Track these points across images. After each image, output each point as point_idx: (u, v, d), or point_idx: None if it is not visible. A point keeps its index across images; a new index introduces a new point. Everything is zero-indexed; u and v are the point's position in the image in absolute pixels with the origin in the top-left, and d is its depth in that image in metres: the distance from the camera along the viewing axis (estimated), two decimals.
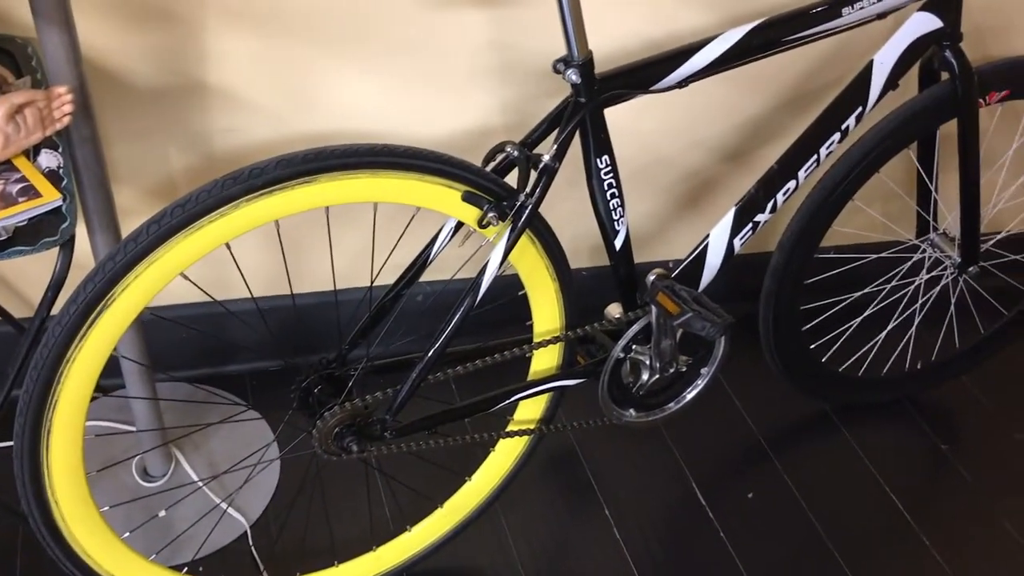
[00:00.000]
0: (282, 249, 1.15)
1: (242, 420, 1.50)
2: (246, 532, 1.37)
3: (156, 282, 0.98)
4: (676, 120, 1.55)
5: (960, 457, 1.63)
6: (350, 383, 1.15)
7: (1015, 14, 1.59)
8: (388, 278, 1.22)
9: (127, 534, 1.17)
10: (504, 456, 1.31)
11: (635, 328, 1.26)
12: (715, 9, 1.42)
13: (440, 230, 1.16)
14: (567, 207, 1.47)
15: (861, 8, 1.22)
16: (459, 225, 1.14)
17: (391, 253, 1.21)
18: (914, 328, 1.63)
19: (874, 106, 1.31)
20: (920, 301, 1.61)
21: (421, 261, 1.17)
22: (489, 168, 1.13)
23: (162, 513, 1.34)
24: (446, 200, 1.08)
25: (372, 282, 1.20)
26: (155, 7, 1.24)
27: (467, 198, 1.08)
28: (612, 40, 1.38)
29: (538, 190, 1.09)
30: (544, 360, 1.26)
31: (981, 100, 1.37)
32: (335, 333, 1.23)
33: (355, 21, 1.31)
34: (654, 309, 1.22)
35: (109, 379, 1.35)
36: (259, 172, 0.98)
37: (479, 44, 1.36)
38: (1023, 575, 1.44)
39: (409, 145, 1.06)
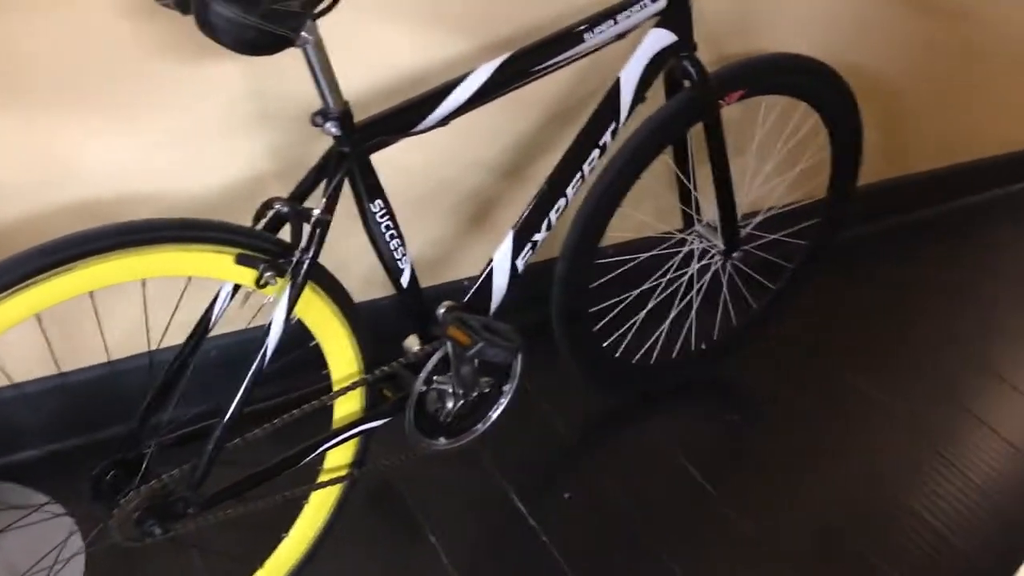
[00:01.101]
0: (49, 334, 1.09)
1: (39, 514, 1.41)
2: None
3: None
4: (449, 145, 1.58)
5: (750, 426, 1.77)
6: (144, 464, 1.11)
7: (744, 17, 1.74)
8: (175, 338, 1.19)
9: None
10: (319, 506, 1.30)
11: (433, 361, 1.29)
12: (467, 38, 1.46)
13: (217, 294, 1.13)
14: (355, 242, 1.47)
15: (601, 32, 1.29)
16: (237, 287, 1.12)
17: (169, 323, 1.17)
18: (693, 313, 1.75)
19: (627, 120, 1.39)
20: (696, 288, 1.73)
21: (202, 329, 1.14)
22: (260, 225, 1.12)
23: None
24: (219, 266, 1.06)
25: (151, 364, 1.16)
26: None
27: (241, 260, 1.07)
28: (367, 77, 1.40)
29: (313, 244, 1.10)
30: (347, 406, 1.26)
31: (722, 101, 1.48)
32: (126, 408, 1.19)
33: (101, 82, 1.25)
34: (448, 343, 1.25)
35: None
36: (13, 266, 0.93)
37: (237, 94, 1.34)
38: (810, 525, 1.58)
39: (174, 217, 1.03)
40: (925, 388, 1.91)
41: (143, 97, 1.28)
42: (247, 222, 1.13)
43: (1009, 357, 2.05)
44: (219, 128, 1.35)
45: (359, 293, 1.65)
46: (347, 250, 1.39)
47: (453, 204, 1.68)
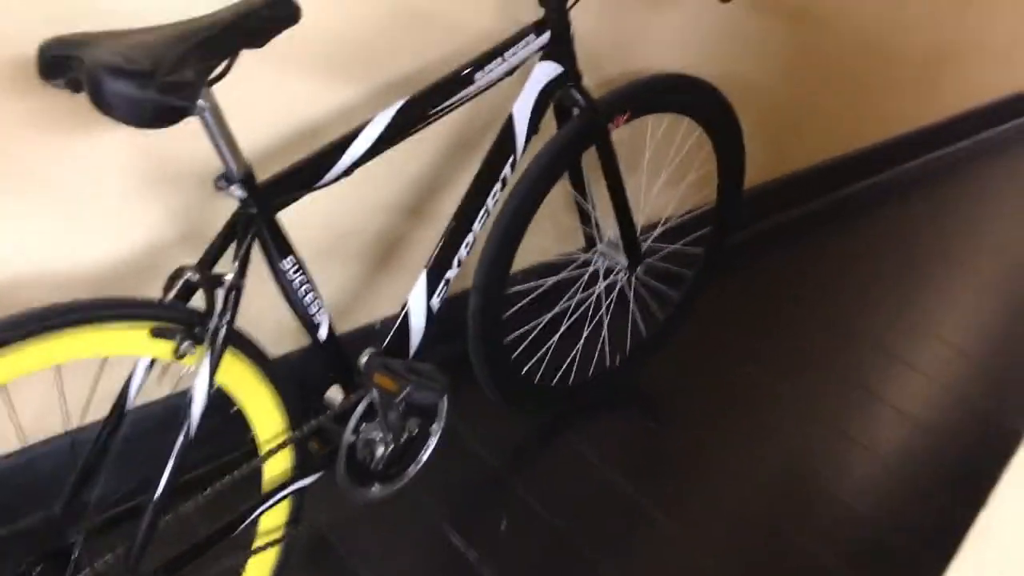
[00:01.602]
0: None
1: None
2: None
3: None
4: (349, 190, 1.57)
5: (668, 430, 1.83)
6: (74, 554, 1.07)
7: (621, 41, 1.80)
8: (93, 414, 1.15)
9: None
10: (257, 571, 1.28)
11: (359, 410, 1.29)
12: (359, 83, 1.47)
13: (133, 371, 1.11)
14: (264, 297, 1.46)
15: (491, 71, 1.32)
16: (154, 361, 1.10)
17: (88, 404, 1.14)
18: (605, 330, 1.80)
19: (524, 152, 1.43)
20: (604, 305, 1.78)
21: (120, 405, 1.11)
22: (171, 295, 1.10)
23: None
24: (135, 342, 1.04)
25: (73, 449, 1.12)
26: None
27: (156, 333, 1.05)
28: (265, 130, 1.39)
29: (228, 309, 1.08)
30: (276, 466, 1.25)
31: (610, 124, 1.54)
32: (47, 495, 1.14)
33: None
34: (374, 390, 1.25)
35: None
36: None
37: (130, 161, 1.31)
38: (733, 518, 1.65)
39: (84, 299, 1.00)
40: (822, 373, 2.02)
41: (32, 175, 1.24)
42: (155, 290, 1.11)
43: (896, 333, 2.18)
44: (115, 198, 1.32)
45: (271, 347, 1.63)
46: (254, 307, 1.37)
47: (358, 248, 1.68)
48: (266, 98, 1.38)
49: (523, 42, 1.35)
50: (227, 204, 1.30)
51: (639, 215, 1.70)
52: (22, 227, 1.27)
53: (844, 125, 2.57)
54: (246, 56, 1.02)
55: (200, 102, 0.99)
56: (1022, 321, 2.32)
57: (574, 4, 1.40)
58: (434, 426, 1.40)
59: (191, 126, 1.04)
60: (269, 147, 1.40)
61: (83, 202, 1.30)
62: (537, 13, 1.39)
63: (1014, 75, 3.15)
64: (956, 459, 1.83)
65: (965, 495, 1.69)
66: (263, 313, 1.52)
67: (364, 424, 1.31)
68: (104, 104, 0.91)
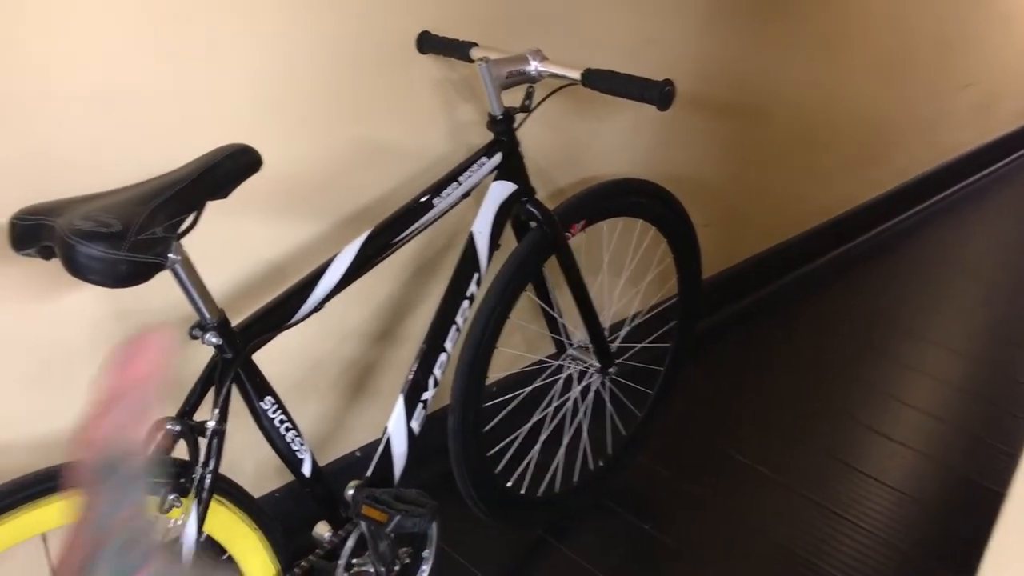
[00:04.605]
0: None
1: None
2: None
3: None
4: (320, 321, 1.59)
5: (661, 530, 1.82)
6: None
7: (570, 152, 1.88)
8: None
9: None
10: None
11: (350, 544, 1.27)
12: (317, 218, 1.50)
13: None
14: (241, 438, 1.45)
15: (448, 195, 1.37)
16: None
17: None
18: (585, 434, 1.81)
19: (487, 268, 1.46)
20: (582, 410, 1.79)
21: None
22: (152, 449, 1.10)
23: None
24: None
25: None
26: None
27: None
28: (233, 274, 1.42)
29: (212, 456, 1.08)
30: None
31: (568, 233, 1.58)
32: None
33: None
34: (363, 523, 1.24)
35: None
36: None
37: (98, 320, 1.32)
38: None
39: (56, 465, 1.00)
40: (801, 451, 2.03)
41: (3, 340, 1.25)
42: None
43: (871, 407, 2.21)
44: (86, 354, 1.32)
45: (253, 489, 1.62)
46: (234, 450, 1.36)
47: (334, 378, 1.69)
48: (233, 243, 1.40)
49: (476, 165, 1.41)
50: (198, 350, 1.31)
51: (605, 316, 1.73)
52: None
53: (790, 210, 2.66)
54: (211, 204, 1.05)
55: (171, 256, 1.01)
56: (985, 380, 2.37)
57: (521, 124, 1.47)
58: (426, 552, 1.38)
59: (158, 277, 1.06)
60: (238, 289, 1.42)
61: (55, 362, 1.30)
62: (487, 136, 1.45)
63: (940, 146, 3.31)
64: (940, 524, 1.84)
65: (953, 560, 1.70)
66: (241, 458, 1.52)
67: (355, 558, 1.29)
68: (77, 268, 0.93)
